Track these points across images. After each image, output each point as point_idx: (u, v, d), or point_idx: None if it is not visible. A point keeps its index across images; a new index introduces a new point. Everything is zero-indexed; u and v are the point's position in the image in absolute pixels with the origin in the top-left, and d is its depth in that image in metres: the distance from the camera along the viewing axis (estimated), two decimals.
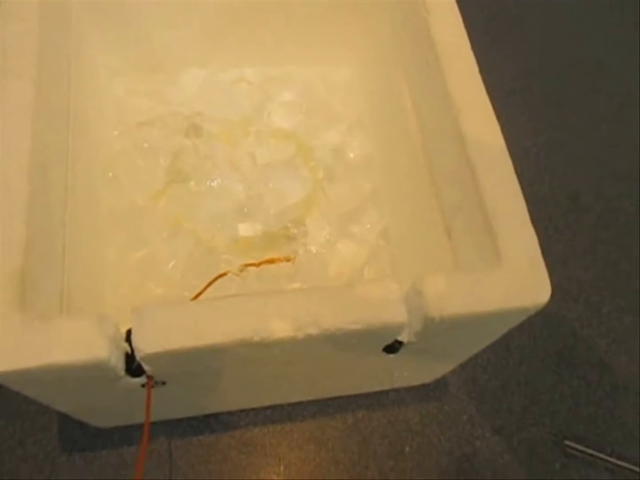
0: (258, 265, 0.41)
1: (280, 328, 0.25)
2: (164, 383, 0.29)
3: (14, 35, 0.30)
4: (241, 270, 0.41)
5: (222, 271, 0.40)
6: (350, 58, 0.51)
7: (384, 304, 0.26)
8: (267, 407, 0.42)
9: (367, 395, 0.43)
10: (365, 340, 0.28)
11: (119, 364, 0.26)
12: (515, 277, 0.27)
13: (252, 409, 0.42)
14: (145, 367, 0.26)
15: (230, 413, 0.41)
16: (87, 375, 0.25)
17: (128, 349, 0.26)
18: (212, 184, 0.43)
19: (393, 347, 0.30)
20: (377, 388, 0.42)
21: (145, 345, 0.24)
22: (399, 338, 0.29)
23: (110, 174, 0.41)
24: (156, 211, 0.42)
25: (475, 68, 0.33)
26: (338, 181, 0.46)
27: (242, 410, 0.41)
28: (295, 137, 0.47)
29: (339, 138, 0.48)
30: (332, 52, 0.51)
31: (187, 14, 0.46)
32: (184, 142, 0.44)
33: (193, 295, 0.39)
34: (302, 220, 0.44)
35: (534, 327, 0.48)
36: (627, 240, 0.52)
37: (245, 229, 0.43)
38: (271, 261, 0.42)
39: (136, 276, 0.40)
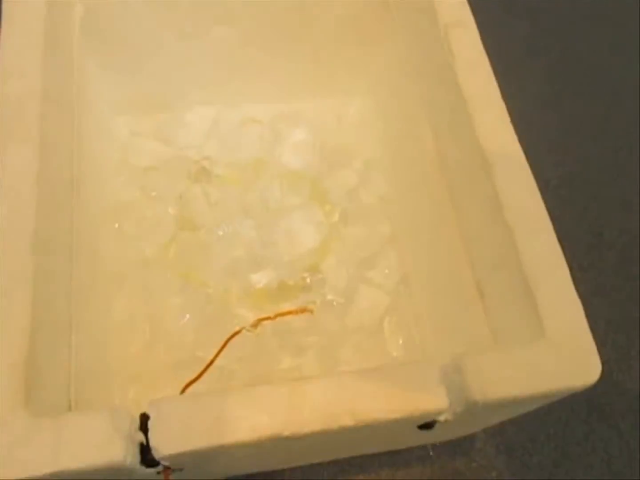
0: (274, 318, 0.39)
1: (312, 420, 0.23)
2: (181, 470, 0.27)
3: (15, 94, 0.28)
4: (255, 325, 0.38)
5: (235, 327, 0.38)
6: (362, 89, 0.49)
7: (423, 389, 0.24)
8: (285, 469, 0.39)
9: (390, 453, 0.41)
10: (401, 423, 0.25)
11: (135, 459, 0.24)
12: (562, 354, 0.25)
13: (268, 472, 0.39)
14: (163, 462, 0.24)
15: (247, 475, 0.39)
16: (99, 474, 0.23)
17: (143, 439, 0.24)
18: (224, 231, 0.41)
19: (429, 425, 0.28)
20: (402, 447, 0.40)
21: (165, 447, 0.22)
22: (437, 418, 0.26)
23: (117, 225, 0.39)
24: (165, 263, 0.40)
25: (506, 118, 0.31)
26: (354, 224, 0.44)
27: (258, 473, 0.39)
28: (309, 178, 0.45)
29: (355, 178, 0.46)
30: (344, 84, 0.49)
31: (192, 50, 0.44)
32: (193, 188, 0.42)
33: (206, 355, 0.36)
34: (317, 267, 0.42)
35: None
36: None
37: (259, 279, 0.41)
38: (288, 313, 0.40)
39: (144, 335, 0.37)
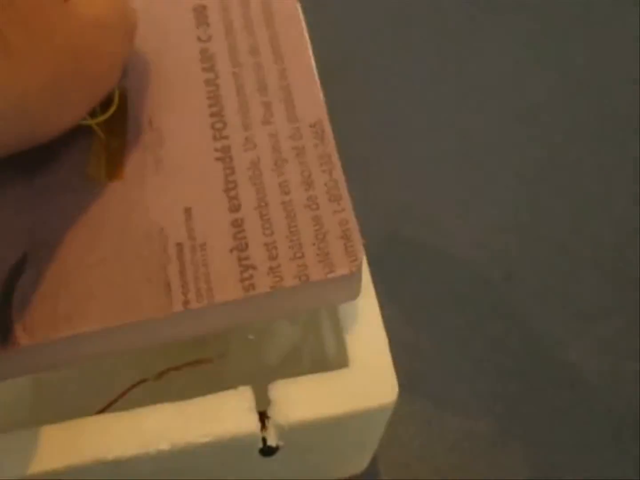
0: (179, 368, 0.43)
1: (129, 445, 0.27)
2: None
3: None
4: (160, 377, 0.42)
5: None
6: None
7: (235, 414, 0.28)
8: None
9: None
10: (227, 449, 0.29)
11: None
12: (362, 380, 0.29)
13: None
14: None
15: None
16: None
17: None
18: None
19: (268, 451, 0.31)
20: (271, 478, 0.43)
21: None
22: (270, 444, 0.30)
23: None
24: None
25: None
26: None
27: None
28: None
29: None
30: None
31: None
32: None
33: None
34: None
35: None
36: None
37: None
38: (196, 362, 0.44)
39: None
